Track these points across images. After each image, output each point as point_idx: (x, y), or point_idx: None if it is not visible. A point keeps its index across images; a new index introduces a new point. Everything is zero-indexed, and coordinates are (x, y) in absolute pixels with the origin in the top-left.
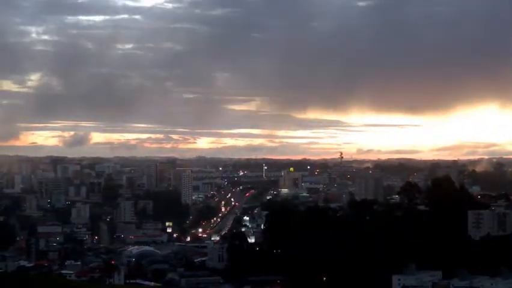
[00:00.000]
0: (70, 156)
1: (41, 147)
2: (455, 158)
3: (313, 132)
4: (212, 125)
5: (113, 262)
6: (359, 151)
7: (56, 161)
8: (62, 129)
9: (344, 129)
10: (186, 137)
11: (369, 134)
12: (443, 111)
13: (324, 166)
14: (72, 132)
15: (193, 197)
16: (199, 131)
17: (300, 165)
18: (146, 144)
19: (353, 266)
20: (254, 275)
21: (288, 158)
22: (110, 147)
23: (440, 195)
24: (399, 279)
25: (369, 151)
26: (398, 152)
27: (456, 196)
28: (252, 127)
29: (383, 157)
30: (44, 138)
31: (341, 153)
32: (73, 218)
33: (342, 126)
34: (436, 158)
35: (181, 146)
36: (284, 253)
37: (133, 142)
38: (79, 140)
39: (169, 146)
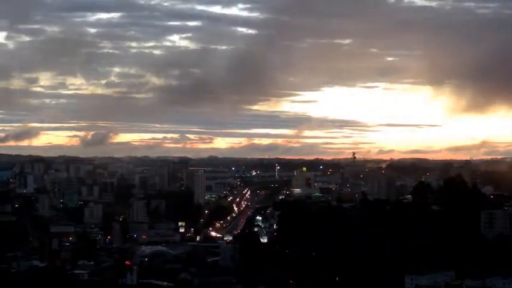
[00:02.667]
0: (82, 156)
1: (55, 147)
2: (468, 158)
3: (327, 132)
4: (228, 125)
5: (128, 263)
6: (380, 151)
7: (68, 161)
8: (78, 129)
9: (360, 129)
10: (202, 137)
11: (384, 134)
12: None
13: (336, 166)
14: (91, 132)
15: (206, 197)
16: (217, 131)
17: (312, 165)
18: (164, 145)
19: (365, 265)
20: (267, 275)
21: (301, 158)
22: (126, 148)
23: (452, 195)
24: (412, 279)
25: (384, 151)
26: (413, 151)
27: (468, 196)
28: None
29: (398, 157)
30: (60, 138)
31: (354, 153)
32: (86, 218)
33: (357, 126)
34: (450, 158)
35: (196, 145)
36: (297, 253)
37: (150, 143)
38: (97, 140)
39: (187, 145)
